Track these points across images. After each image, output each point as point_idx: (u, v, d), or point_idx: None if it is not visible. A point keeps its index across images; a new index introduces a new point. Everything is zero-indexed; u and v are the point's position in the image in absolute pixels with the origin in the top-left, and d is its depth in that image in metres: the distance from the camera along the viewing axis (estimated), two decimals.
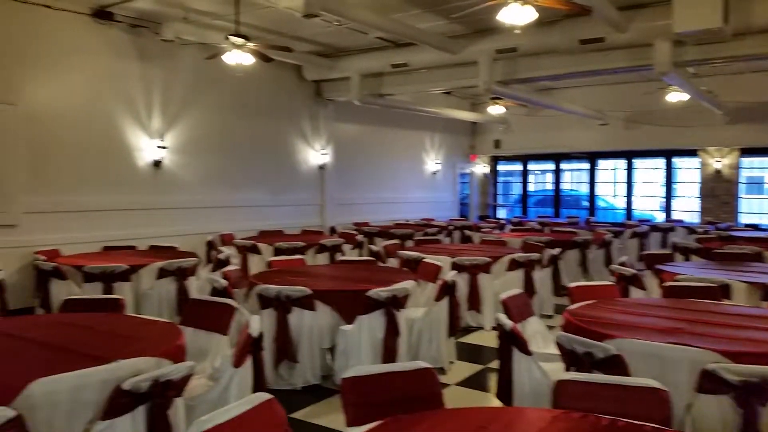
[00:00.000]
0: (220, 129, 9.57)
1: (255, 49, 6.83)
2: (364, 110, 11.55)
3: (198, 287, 6.50)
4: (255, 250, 8.16)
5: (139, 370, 2.70)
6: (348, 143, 12.07)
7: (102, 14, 7.77)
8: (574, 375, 2.70)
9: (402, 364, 2.50)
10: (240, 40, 6.56)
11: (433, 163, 14.78)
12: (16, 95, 7.10)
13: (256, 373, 3.29)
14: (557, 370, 3.26)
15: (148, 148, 8.55)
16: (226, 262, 6.81)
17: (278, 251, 7.84)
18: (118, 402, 2.46)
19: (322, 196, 11.54)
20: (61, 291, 6.08)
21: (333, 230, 11.05)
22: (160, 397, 2.57)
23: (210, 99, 9.35)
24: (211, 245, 8.73)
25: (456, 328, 5.22)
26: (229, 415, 1.96)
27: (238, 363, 3.12)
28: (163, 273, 6.15)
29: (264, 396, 2.10)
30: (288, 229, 10.15)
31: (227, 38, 6.63)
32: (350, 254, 8.57)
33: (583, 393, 2.44)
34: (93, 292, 5.74)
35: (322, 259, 8.27)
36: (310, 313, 4.52)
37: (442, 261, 6.11)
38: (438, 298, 4.88)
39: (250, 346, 3.22)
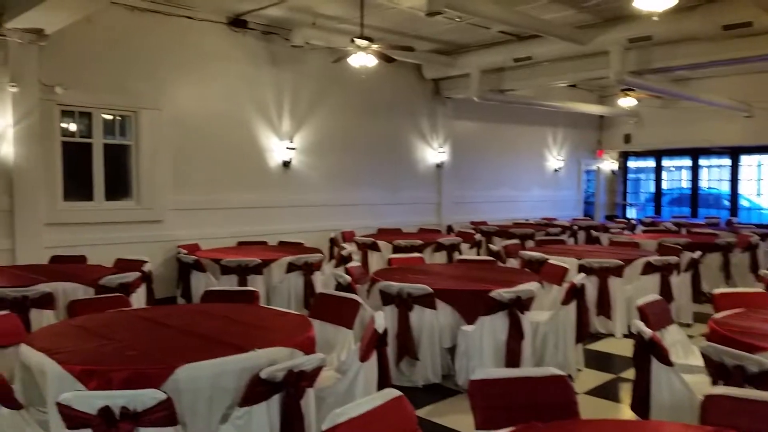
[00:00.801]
0: (343, 130, 9.86)
1: (378, 50, 6.95)
2: (483, 107, 11.37)
3: (323, 281, 6.75)
4: (375, 247, 8.32)
5: (274, 359, 2.84)
6: (466, 141, 11.94)
7: (237, 23, 8.29)
8: (725, 389, 2.46)
9: (533, 370, 2.41)
10: (365, 43, 6.71)
11: (555, 159, 14.24)
12: (163, 101, 7.76)
13: (381, 368, 3.33)
14: (700, 383, 3.01)
15: (278, 149, 9.00)
16: (348, 258, 7.01)
17: (397, 249, 7.93)
18: (256, 390, 2.59)
19: (439, 195, 11.52)
20: (200, 282, 6.58)
21: (450, 229, 10.99)
22: (293, 386, 2.67)
23: (334, 101, 9.66)
24: (333, 242, 9.02)
25: (584, 334, 4.97)
26: (361, 409, 1.99)
27: (364, 357, 3.18)
28: (291, 267, 6.45)
29: (394, 392, 2.12)
30: (405, 227, 10.25)
31: (352, 41, 6.80)
32: (468, 253, 8.47)
33: (735, 409, 2.23)
34: (229, 284, 6.14)
35: (440, 257, 8.25)
36: (431, 312, 4.51)
37: (568, 263, 5.85)
38: (565, 302, 4.68)
39: (376, 342, 3.27)
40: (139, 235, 7.49)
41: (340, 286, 4.99)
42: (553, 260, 5.84)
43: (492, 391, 2.29)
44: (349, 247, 7.78)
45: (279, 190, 9.06)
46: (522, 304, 4.28)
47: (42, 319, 4.56)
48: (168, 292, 7.21)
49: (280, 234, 8.55)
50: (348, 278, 4.97)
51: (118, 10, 7.14)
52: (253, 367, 2.74)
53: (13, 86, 6.51)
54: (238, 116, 8.56)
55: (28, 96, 6.62)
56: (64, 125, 7.19)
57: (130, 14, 7.37)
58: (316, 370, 2.82)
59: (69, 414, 2.27)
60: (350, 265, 5.86)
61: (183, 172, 7.98)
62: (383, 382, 3.31)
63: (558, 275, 5.41)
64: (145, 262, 5.93)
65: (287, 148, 9.07)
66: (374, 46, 6.88)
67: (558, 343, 4.69)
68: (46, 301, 4.62)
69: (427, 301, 4.47)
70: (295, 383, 2.70)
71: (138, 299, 5.17)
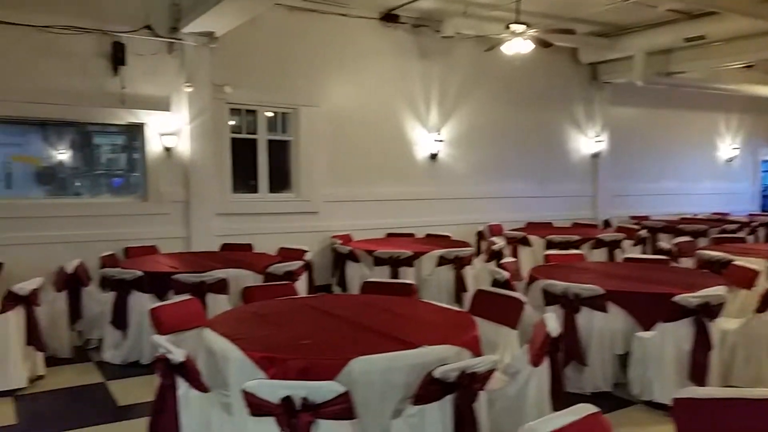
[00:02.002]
0: (491, 120, 9.58)
1: (536, 35, 6.61)
2: (646, 91, 10.46)
3: (473, 276, 6.59)
4: (525, 242, 7.99)
5: (443, 358, 2.74)
6: (625, 129, 11.08)
7: (389, 17, 8.35)
8: None
9: (752, 391, 2.07)
10: (521, 27, 6.41)
11: (728, 148, 12.78)
12: (320, 98, 8.04)
13: (553, 374, 3.11)
14: None
15: (426, 141, 8.96)
16: (499, 253, 6.78)
17: (550, 244, 7.55)
18: (429, 389, 2.52)
19: (594, 187, 10.82)
20: (354, 272, 6.73)
21: (607, 224, 10.29)
22: (466, 388, 2.56)
23: (483, 91, 9.41)
24: (480, 235, 8.82)
25: None
26: (554, 424, 1.82)
27: (536, 362, 2.98)
28: (442, 261, 6.36)
29: (589, 408, 1.92)
30: (556, 221, 9.75)
31: (507, 27, 6.53)
32: (631, 251, 7.83)
33: None
34: (382, 275, 6.19)
35: (599, 255, 7.72)
36: (601, 315, 4.17)
37: (756, 264, 5.15)
38: (760, 310, 4.10)
39: (548, 346, 3.06)
40: (298, 225, 7.83)
41: (496, 283, 4.80)
42: (740, 261, 5.17)
43: (702, 412, 2.00)
44: (499, 242, 7.54)
45: (426, 183, 9.02)
46: (710, 310, 3.81)
47: (217, 303, 4.89)
48: (324, 280, 7.47)
49: (427, 226, 8.52)
50: (506, 274, 4.77)
51: (279, 10, 7.47)
52: (422, 363, 2.67)
53: (188, 86, 7.08)
54: (388, 110, 8.64)
55: (201, 95, 7.17)
56: (231, 122, 7.69)
57: (290, 14, 7.69)
58: (489, 373, 2.68)
59: (253, 401, 2.35)
60: (505, 261, 5.64)
61: (337, 166, 8.22)
62: (556, 389, 3.08)
63: (747, 278, 4.77)
64: (306, 251, 6.17)
65: (435, 140, 8.99)
66: (531, 31, 6.55)
67: (749, 355, 4.13)
68: (221, 287, 4.95)
69: (597, 303, 4.14)
70: (468, 385, 2.58)
71: (301, 286, 5.36)
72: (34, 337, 4.59)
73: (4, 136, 7.18)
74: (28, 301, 4.53)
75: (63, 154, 7.22)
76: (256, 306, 3.80)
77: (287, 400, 2.30)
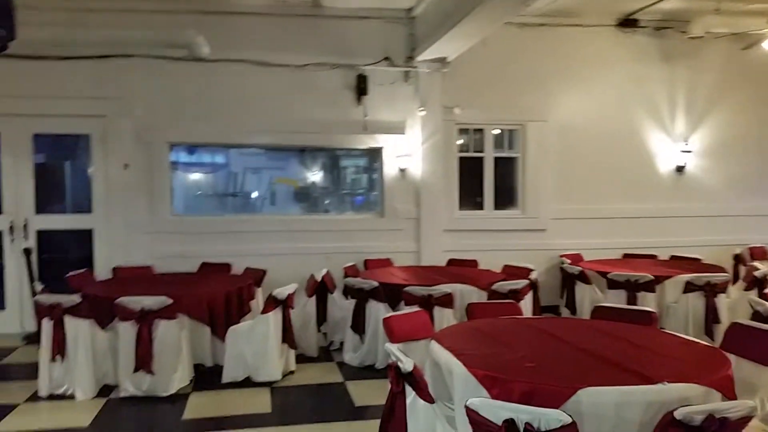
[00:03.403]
0: (751, 127, 8.33)
1: None
2: None
3: (729, 306, 5.78)
4: None
5: (687, 397, 2.47)
6: None
7: (626, 23, 7.83)
8: None
9: None
10: None
11: None
12: (549, 112, 7.85)
13: None
14: None
15: (670, 153, 8.15)
16: (762, 280, 5.85)
17: None
18: (669, 430, 2.27)
19: None
20: (584, 294, 6.38)
21: None
22: None
23: (740, 94, 8.24)
24: (738, 259, 7.70)
25: None
26: None
27: None
28: (689, 287, 5.71)
29: None
30: None
31: None
32: None
33: None
34: (616, 299, 5.77)
35: None
36: None
37: None
38: None
39: None
40: (524, 243, 7.71)
41: (758, 316, 4.14)
42: None
43: None
44: (762, 267, 6.48)
45: (670, 198, 8.18)
46: None
47: (443, 316, 5.05)
48: (551, 301, 7.22)
49: (672, 247, 7.70)
50: None
51: (509, 29, 7.49)
52: (662, 402, 2.43)
53: (421, 110, 7.49)
54: (623, 120, 8.07)
55: (432, 118, 7.52)
56: (459, 141, 7.92)
57: (520, 32, 7.67)
58: (743, 420, 2.32)
59: (476, 419, 2.36)
60: None
61: (565, 181, 7.92)
62: None
63: None
64: (532, 270, 6.05)
65: (681, 151, 8.13)
66: None
67: None
68: (447, 301, 5.10)
69: None
70: (716, 431, 2.27)
71: (525, 306, 5.26)
72: (288, 336, 5.25)
73: (269, 161, 8.39)
74: (285, 304, 5.20)
75: (316, 176, 8.18)
76: (481, 323, 3.83)
77: (510, 423, 2.27)
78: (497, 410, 2.28)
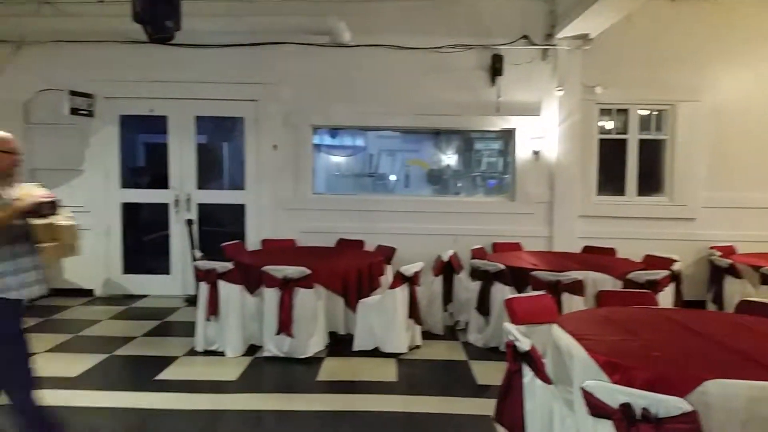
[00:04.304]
0: None
1: None
2: None
3: None
4: None
5: None
6: None
7: None
8: None
9: None
10: None
11: None
12: (702, 91, 7.24)
13: None
14: None
15: None
16: None
17: None
18: None
19: None
20: (735, 290, 5.90)
21: None
22: None
23: None
24: None
25: None
26: None
27: None
28: None
29: None
30: None
31: None
32: None
33: None
34: None
35: None
36: None
37: None
38: None
39: None
40: (669, 232, 7.23)
41: None
42: None
43: None
44: None
45: None
46: None
47: (572, 303, 4.94)
48: (697, 295, 6.71)
49: None
50: None
51: (657, 2, 7.00)
52: None
53: (559, 90, 7.25)
54: None
55: (571, 98, 7.26)
56: (600, 123, 7.56)
57: (670, 5, 7.12)
58: None
59: (591, 401, 2.35)
60: None
61: (720, 167, 7.28)
62: None
63: None
64: (675, 261, 5.68)
65: None
66: None
67: None
68: (577, 288, 4.98)
69: None
70: None
71: (664, 298, 4.98)
72: (414, 312, 5.44)
73: (403, 143, 8.63)
74: (411, 281, 5.39)
75: (448, 159, 8.27)
76: (609, 310, 3.72)
77: (626, 408, 2.24)
78: (614, 394, 2.25)
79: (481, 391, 4.58)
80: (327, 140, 8.34)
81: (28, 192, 3.15)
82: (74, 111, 7.12)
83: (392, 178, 8.66)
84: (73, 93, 7.13)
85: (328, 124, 7.83)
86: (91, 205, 7.54)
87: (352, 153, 8.94)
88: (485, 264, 5.67)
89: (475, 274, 5.83)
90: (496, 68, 7.28)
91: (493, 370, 4.90)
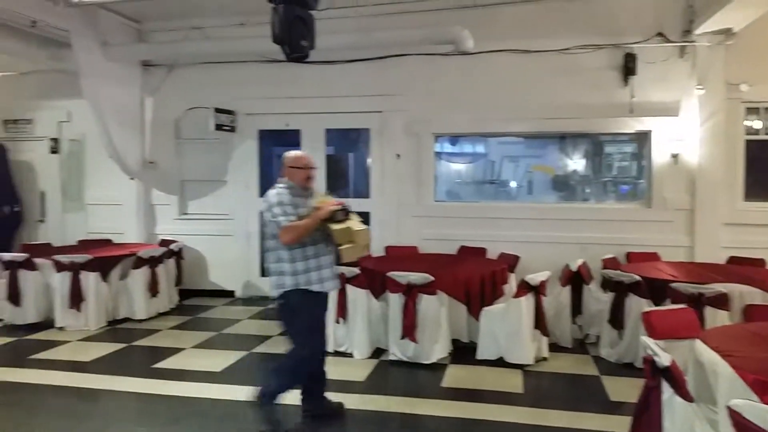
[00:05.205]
0: None
1: None
2: None
3: None
4: None
5: None
6: None
7: None
8: None
9: None
10: None
11: None
12: None
13: None
14: None
15: None
16: None
17: None
18: None
19: None
20: None
21: None
22: None
23: None
24: None
25: None
26: None
27: None
28: None
29: None
30: None
31: None
32: None
33: None
34: None
35: None
36: None
37: None
38: None
39: None
40: None
41: None
42: None
43: None
44: None
45: None
46: None
47: (716, 318, 4.59)
48: None
49: None
50: None
51: None
52: None
53: (700, 89, 6.75)
54: None
55: (713, 96, 6.74)
56: (747, 123, 6.93)
57: None
58: None
59: (739, 421, 2.19)
60: None
61: None
62: None
63: None
64: None
65: None
66: None
67: None
68: (721, 301, 4.62)
69: None
70: None
71: None
72: (540, 322, 5.31)
73: (527, 149, 8.46)
74: (537, 291, 5.27)
75: (575, 164, 7.98)
76: (758, 326, 3.41)
77: None
78: (764, 414, 2.08)
79: (614, 407, 4.37)
80: (447, 148, 8.39)
81: (323, 201, 3.79)
82: (219, 127, 7.78)
83: (512, 184, 8.51)
84: (218, 110, 7.79)
85: (450, 131, 7.89)
86: (233, 213, 8.20)
87: (472, 160, 8.92)
88: (619, 274, 5.41)
89: (608, 284, 5.58)
90: (628, 67, 6.93)
91: (627, 387, 4.68)
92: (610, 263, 6.17)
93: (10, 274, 6.64)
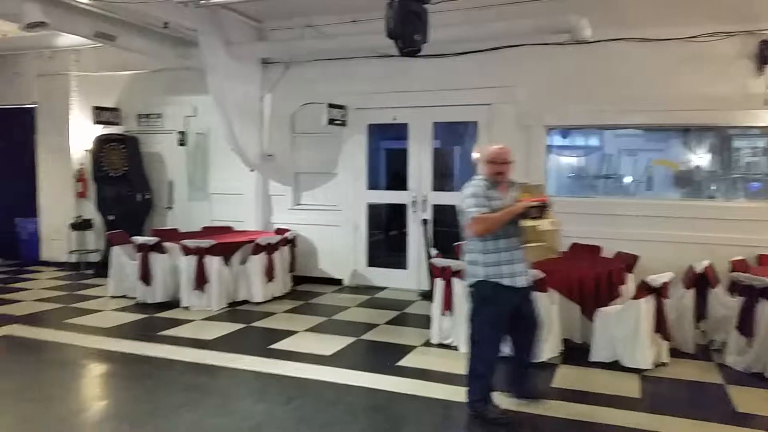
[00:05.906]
0: None
1: None
2: None
3: None
4: None
5: None
6: None
7: None
8: None
9: None
10: None
11: None
12: None
13: None
14: None
15: None
16: None
17: None
18: None
19: None
20: None
21: None
22: None
23: None
24: None
25: None
26: None
27: None
28: None
29: None
30: None
31: None
32: None
33: None
34: None
35: None
36: None
37: None
38: None
39: None
40: None
41: None
42: None
43: None
44: None
45: None
46: None
47: None
48: None
49: None
50: None
51: None
52: None
53: None
54: None
55: None
56: None
57: None
58: None
59: None
60: None
61: None
62: None
63: None
64: None
65: None
66: None
67: None
68: None
69: None
70: None
71: None
72: (661, 326, 5.02)
73: (647, 142, 7.99)
74: (659, 293, 4.98)
75: (700, 159, 7.45)
76: None
77: None
78: None
79: (741, 419, 4.06)
80: (558, 140, 8.11)
81: (525, 195, 3.83)
82: (331, 121, 8.03)
83: (627, 179, 8.08)
84: (331, 105, 8.04)
85: (563, 124, 7.63)
86: (342, 204, 8.45)
87: (585, 153, 8.56)
88: (750, 278, 5.00)
89: (736, 288, 5.18)
90: (765, 56, 6.37)
91: (756, 398, 4.36)
92: (739, 265, 5.72)
93: (142, 256, 7.25)
